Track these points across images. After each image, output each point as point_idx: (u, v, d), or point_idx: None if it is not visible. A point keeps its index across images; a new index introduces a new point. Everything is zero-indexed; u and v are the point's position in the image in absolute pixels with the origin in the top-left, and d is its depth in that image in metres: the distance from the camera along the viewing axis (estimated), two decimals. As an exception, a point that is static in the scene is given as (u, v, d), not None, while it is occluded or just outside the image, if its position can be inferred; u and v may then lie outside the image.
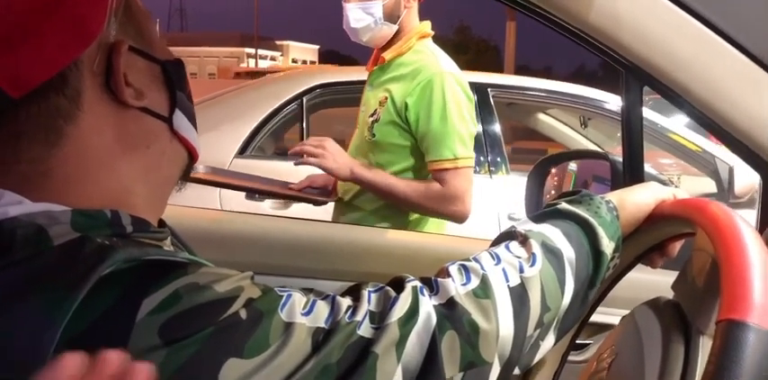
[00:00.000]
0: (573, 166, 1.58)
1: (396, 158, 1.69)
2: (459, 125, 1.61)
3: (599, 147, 3.62)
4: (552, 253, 0.63)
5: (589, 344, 1.28)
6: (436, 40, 1.82)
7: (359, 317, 0.52)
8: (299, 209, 2.11)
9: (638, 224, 0.73)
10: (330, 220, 1.84)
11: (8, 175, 0.52)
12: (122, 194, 0.57)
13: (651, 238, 0.74)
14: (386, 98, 1.68)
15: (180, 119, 0.61)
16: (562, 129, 3.72)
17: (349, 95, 3.32)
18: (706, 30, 0.89)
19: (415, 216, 1.72)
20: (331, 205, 1.85)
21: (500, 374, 0.57)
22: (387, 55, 1.73)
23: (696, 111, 0.93)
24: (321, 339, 0.50)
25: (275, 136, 3.16)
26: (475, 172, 1.79)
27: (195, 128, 0.64)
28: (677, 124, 3.05)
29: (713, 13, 0.90)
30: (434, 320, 0.54)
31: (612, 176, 1.14)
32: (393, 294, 0.55)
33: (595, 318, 0.85)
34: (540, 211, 0.70)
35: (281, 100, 2.90)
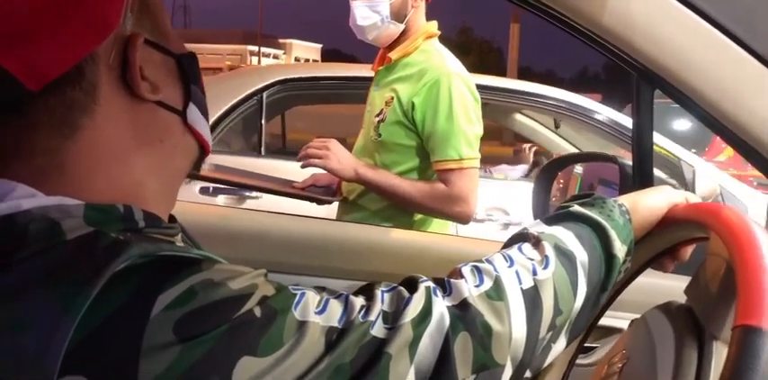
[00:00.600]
0: (579, 169, 1.57)
1: (401, 159, 1.69)
2: (465, 126, 1.61)
3: (575, 147, 3.65)
4: (565, 256, 0.62)
5: (596, 347, 1.27)
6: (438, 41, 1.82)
7: (372, 317, 0.52)
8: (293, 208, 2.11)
9: (650, 228, 0.73)
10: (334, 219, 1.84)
11: (23, 167, 0.52)
12: (135, 187, 0.57)
13: (663, 242, 0.73)
14: (392, 98, 1.68)
15: (194, 113, 0.61)
16: (539, 129, 3.73)
17: (315, 91, 3.28)
18: (720, 34, 0.89)
19: (419, 216, 1.72)
20: (334, 205, 1.85)
21: (512, 376, 0.57)
22: (393, 55, 1.73)
23: (708, 115, 0.93)
24: (334, 338, 0.50)
25: (244, 132, 3.12)
26: None
27: (208, 121, 0.63)
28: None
29: (727, 18, 0.89)
30: (448, 321, 0.53)
31: (621, 180, 1.14)
32: (406, 294, 0.55)
33: (602, 321, 0.85)
34: (553, 213, 0.70)
35: (239, 96, 2.83)
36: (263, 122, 2.93)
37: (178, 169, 0.62)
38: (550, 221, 0.68)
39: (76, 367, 0.43)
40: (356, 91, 3.23)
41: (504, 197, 2.86)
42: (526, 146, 3.87)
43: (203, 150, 0.64)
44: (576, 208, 0.68)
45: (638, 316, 0.80)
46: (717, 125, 0.93)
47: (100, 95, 0.53)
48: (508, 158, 4.23)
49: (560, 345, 0.62)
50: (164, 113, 0.58)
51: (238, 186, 1.88)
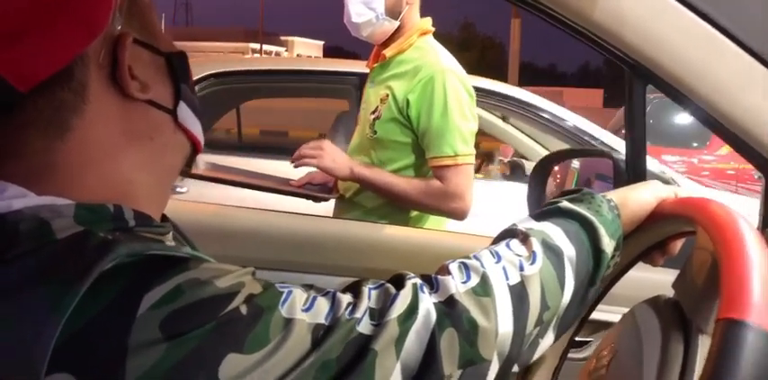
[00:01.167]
0: (576, 164, 1.58)
1: (397, 156, 1.69)
2: (459, 122, 1.61)
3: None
4: (552, 251, 0.63)
5: (589, 341, 1.28)
6: (440, 37, 1.82)
7: (359, 314, 0.52)
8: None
9: (639, 223, 0.73)
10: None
11: (14, 167, 0.53)
12: (126, 186, 0.57)
13: (652, 236, 0.74)
14: (387, 95, 1.68)
15: (184, 111, 0.61)
16: (497, 123, 3.73)
17: (254, 84, 3.23)
18: (711, 29, 0.89)
19: (415, 213, 1.73)
20: (331, 203, 1.85)
21: (499, 371, 0.57)
22: (388, 52, 1.73)
23: (700, 110, 0.93)
24: (321, 335, 0.50)
25: None
26: None
27: (199, 119, 0.64)
28: (581, 120, 3.11)
29: (718, 12, 0.89)
30: (434, 317, 0.54)
31: (615, 175, 1.14)
32: (393, 291, 0.55)
33: (595, 315, 0.85)
34: (541, 209, 0.70)
35: None
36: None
37: (170, 167, 0.63)
38: (539, 216, 0.68)
39: (64, 365, 0.44)
40: (296, 84, 3.20)
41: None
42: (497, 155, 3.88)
43: (195, 148, 0.64)
44: (565, 204, 0.69)
45: None
46: (709, 120, 0.93)
47: (89, 94, 0.54)
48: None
49: (548, 340, 0.63)
50: (154, 112, 0.59)
51: (235, 185, 1.89)
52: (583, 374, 0.76)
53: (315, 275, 1.21)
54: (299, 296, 0.52)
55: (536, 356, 0.62)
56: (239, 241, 1.28)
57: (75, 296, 0.44)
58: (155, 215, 0.60)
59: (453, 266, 0.60)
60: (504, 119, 3.68)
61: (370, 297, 0.54)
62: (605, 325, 1.19)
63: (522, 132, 3.71)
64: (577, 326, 0.82)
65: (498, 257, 0.61)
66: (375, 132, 1.69)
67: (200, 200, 1.64)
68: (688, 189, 0.83)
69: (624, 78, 1.02)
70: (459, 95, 1.62)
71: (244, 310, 0.48)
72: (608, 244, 0.66)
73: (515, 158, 3.82)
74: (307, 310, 0.51)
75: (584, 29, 0.95)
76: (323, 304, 0.53)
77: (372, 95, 1.76)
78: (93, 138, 0.55)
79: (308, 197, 1.83)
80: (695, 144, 5.75)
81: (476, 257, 0.61)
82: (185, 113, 0.61)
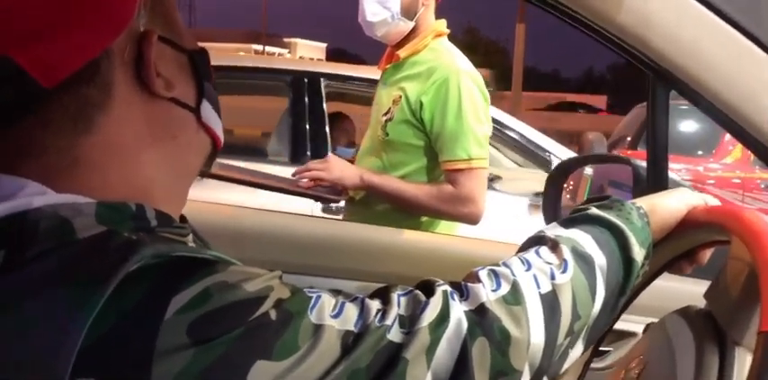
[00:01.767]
0: (589, 170, 1.56)
1: (409, 158, 1.68)
2: (474, 125, 1.60)
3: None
4: (583, 260, 0.61)
5: (609, 351, 1.26)
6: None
7: (389, 321, 0.51)
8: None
9: (668, 231, 0.71)
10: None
11: (35, 165, 0.51)
12: (147, 184, 0.56)
13: (682, 245, 0.72)
14: (400, 97, 1.66)
15: (207, 109, 0.60)
16: None
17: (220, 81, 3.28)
18: (738, 34, 0.87)
19: (426, 217, 1.71)
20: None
21: None
22: (402, 53, 1.71)
23: (724, 116, 0.92)
24: (351, 342, 0.48)
25: None
26: None
27: (220, 117, 0.63)
28: (518, 122, 3.18)
29: (745, 18, 0.88)
30: (465, 326, 0.52)
31: (634, 182, 1.13)
32: (423, 298, 0.54)
33: (616, 325, 0.84)
34: (569, 216, 0.68)
35: None
36: None
37: (191, 166, 0.62)
38: (567, 223, 0.66)
39: (88, 369, 0.42)
40: (231, 81, 3.21)
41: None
42: None
43: (216, 147, 0.63)
44: (594, 211, 0.67)
45: (650, 320, 0.79)
46: (735, 127, 0.92)
47: (114, 91, 0.53)
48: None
49: (578, 350, 0.61)
50: (177, 110, 0.58)
51: (245, 185, 1.88)
52: None
53: (330, 279, 1.19)
54: (328, 302, 0.51)
55: (565, 367, 0.61)
56: (255, 243, 1.26)
57: (100, 298, 0.43)
58: (174, 216, 0.58)
59: (483, 274, 0.58)
60: None
61: (399, 304, 0.53)
62: (625, 334, 1.17)
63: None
64: (601, 336, 0.80)
65: (529, 265, 0.60)
66: (387, 134, 1.68)
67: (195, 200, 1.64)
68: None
69: (634, 85, 1.01)
70: (473, 98, 1.60)
71: (273, 315, 0.47)
72: (638, 253, 0.65)
73: None
74: (336, 316, 0.50)
75: (608, 33, 0.94)
76: (352, 310, 0.51)
77: (384, 96, 1.74)
78: (116, 135, 0.53)
79: (317, 198, 1.82)
80: (700, 152, 5.73)
81: (505, 265, 0.60)
82: (208, 112, 0.60)
